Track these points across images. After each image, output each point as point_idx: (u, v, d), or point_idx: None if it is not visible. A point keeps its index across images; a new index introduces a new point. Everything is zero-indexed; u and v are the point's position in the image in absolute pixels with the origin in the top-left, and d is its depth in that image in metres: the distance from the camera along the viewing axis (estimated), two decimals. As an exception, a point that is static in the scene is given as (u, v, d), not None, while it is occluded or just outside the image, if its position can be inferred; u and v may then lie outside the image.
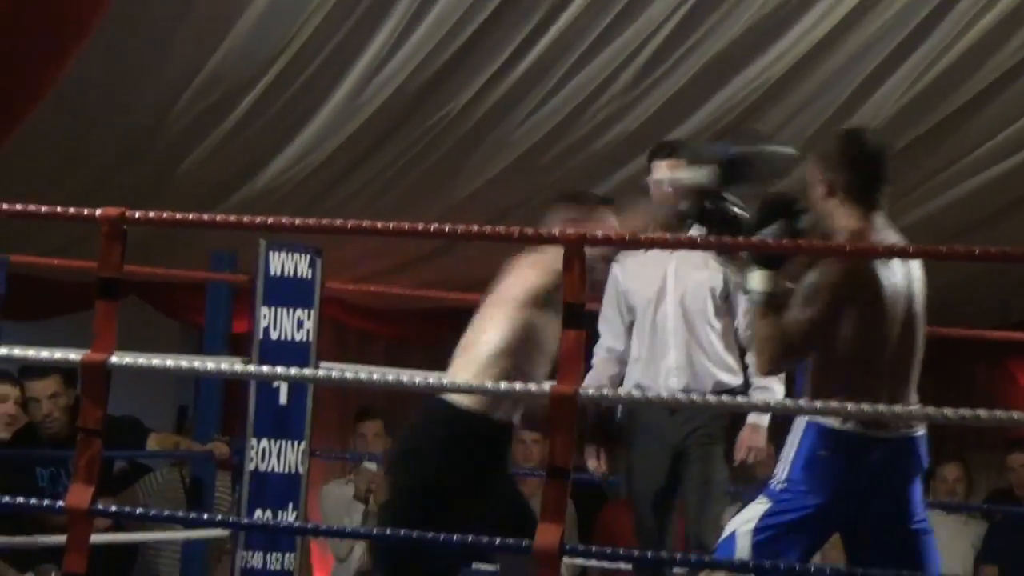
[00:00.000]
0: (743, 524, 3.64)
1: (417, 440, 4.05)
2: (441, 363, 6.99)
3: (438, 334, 8.40)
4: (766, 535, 3.62)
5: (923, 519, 3.70)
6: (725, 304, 4.73)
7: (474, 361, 3.99)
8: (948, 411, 3.21)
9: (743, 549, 3.62)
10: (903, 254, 3.58)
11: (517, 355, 3.96)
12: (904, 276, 3.63)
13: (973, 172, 6.41)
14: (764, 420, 4.72)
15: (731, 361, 4.72)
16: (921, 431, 3.61)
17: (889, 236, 3.67)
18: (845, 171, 3.67)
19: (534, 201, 6.74)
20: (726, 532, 3.68)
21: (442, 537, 3.50)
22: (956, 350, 8.12)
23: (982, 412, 3.17)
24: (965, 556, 6.59)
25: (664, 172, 4.59)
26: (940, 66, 5.90)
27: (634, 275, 4.82)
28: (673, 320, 4.71)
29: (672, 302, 4.73)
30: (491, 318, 4.04)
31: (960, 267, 6.76)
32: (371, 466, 6.28)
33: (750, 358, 4.63)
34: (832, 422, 3.57)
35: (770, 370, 3.76)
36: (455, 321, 8.14)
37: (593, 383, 4.66)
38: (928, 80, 5.96)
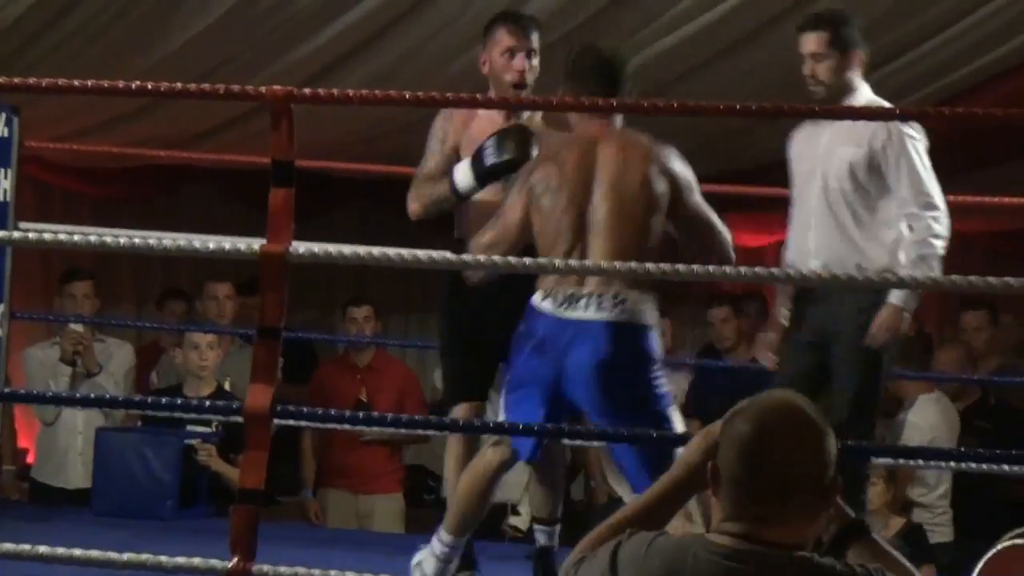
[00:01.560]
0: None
1: None
2: (150, 222, 6.93)
3: (146, 193, 8.28)
4: (510, 410, 3.91)
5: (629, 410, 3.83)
6: (873, 180, 4.39)
7: None
8: (650, 266, 3.29)
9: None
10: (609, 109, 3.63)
11: None
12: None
13: (672, 29, 6.51)
14: (903, 300, 4.34)
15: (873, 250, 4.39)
16: (611, 317, 3.81)
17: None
18: (571, 82, 4.05)
19: (242, 59, 6.62)
20: None
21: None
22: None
23: (681, 267, 3.26)
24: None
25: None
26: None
27: (797, 143, 4.59)
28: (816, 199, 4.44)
29: (818, 179, 4.44)
30: None
31: (661, 121, 6.92)
32: (78, 327, 6.14)
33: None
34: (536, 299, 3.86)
35: None
36: (165, 180, 8.11)
37: None
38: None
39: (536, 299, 3.87)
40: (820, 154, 4.45)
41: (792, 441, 2.15)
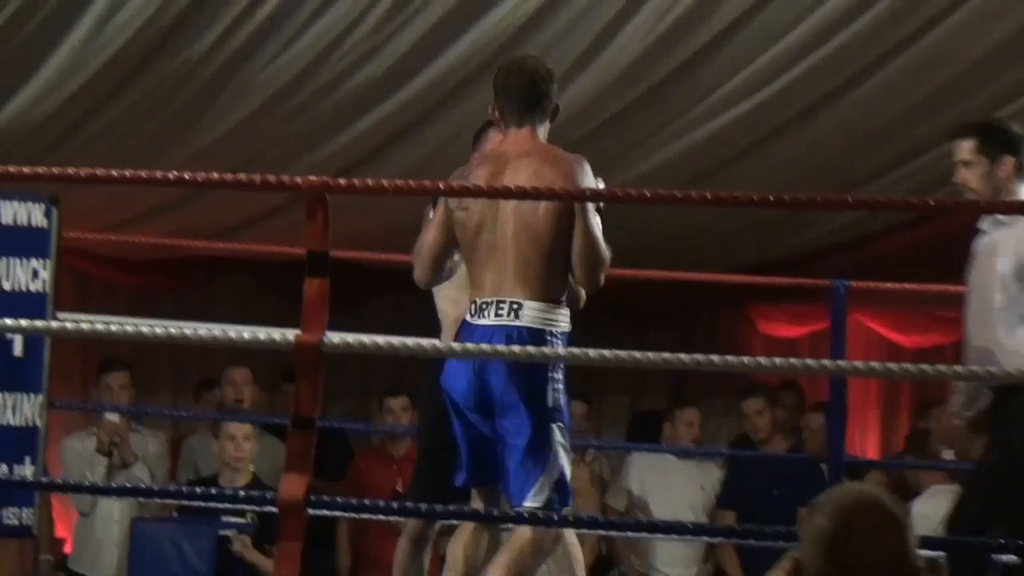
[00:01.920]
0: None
1: None
2: (186, 312, 6.97)
3: (183, 284, 8.32)
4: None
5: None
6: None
7: None
8: (684, 357, 3.28)
9: None
10: (642, 200, 3.64)
11: None
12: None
13: (710, 117, 6.55)
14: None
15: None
16: (506, 322, 4.04)
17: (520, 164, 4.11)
18: (499, 99, 4.21)
19: (279, 149, 6.68)
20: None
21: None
22: (700, 295, 8.35)
23: (715, 358, 3.25)
24: (695, 498, 6.75)
25: None
26: (678, 9, 6.00)
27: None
28: None
29: None
30: None
31: (698, 211, 6.92)
32: (114, 418, 6.16)
33: None
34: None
35: None
36: (201, 270, 8.15)
37: None
38: (664, 27, 6.05)
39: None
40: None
41: (873, 534, 2.14)
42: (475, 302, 4.09)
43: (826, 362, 3.40)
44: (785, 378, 7.18)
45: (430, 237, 4.21)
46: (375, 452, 7.02)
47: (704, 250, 7.56)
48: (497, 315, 4.06)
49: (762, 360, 3.31)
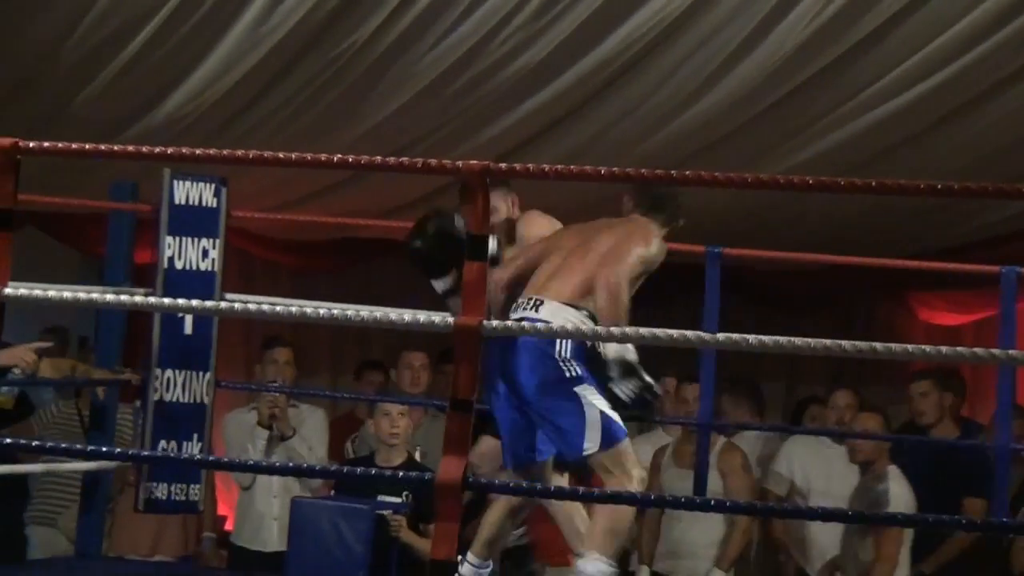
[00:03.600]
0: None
1: None
2: (345, 294, 7.07)
3: (343, 264, 8.45)
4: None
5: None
6: None
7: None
8: (846, 344, 3.25)
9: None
10: (803, 187, 3.62)
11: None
12: None
13: (871, 107, 6.46)
14: None
15: None
16: (528, 315, 4.49)
17: None
18: None
19: (440, 133, 6.75)
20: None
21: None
22: (858, 283, 8.25)
23: (878, 345, 3.22)
24: (852, 482, 6.62)
25: None
26: (839, 1, 5.94)
27: None
28: None
29: None
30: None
31: (859, 200, 6.84)
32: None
33: None
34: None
35: None
36: (360, 252, 8.26)
37: None
38: (828, 14, 5.99)
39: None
40: None
41: None
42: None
43: (985, 350, 3.34)
44: (949, 367, 7.02)
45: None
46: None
47: (861, 239, 7.47)
48: (525, 309, 4.55)
49: (926, 348, 3.26)
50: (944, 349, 3.33)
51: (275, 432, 6.21)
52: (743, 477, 6.43)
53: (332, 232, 7.77)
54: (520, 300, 4.57)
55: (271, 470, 5.85)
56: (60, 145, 3.70)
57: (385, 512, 5.78)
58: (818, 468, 6.60)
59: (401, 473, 3.83)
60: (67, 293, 3.77)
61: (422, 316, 3.67)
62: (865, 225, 7.42)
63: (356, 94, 6.47)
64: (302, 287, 7.84)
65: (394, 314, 3.82)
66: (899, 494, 5.97)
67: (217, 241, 5.60)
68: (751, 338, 3.36)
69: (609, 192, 4.77)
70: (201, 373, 5.60)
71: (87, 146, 3.65)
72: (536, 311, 4.50)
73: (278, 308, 3.79)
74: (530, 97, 6.50)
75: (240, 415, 6.46)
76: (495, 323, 3.50)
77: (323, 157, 3.72)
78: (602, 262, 4.52)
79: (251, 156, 3.75)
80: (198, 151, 3.68)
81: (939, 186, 3.15)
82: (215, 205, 5.62)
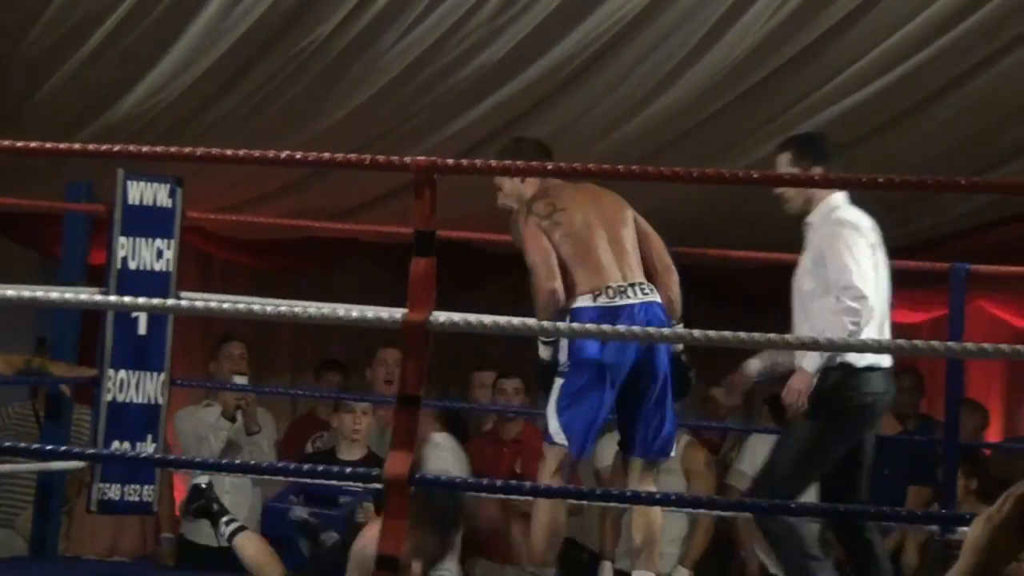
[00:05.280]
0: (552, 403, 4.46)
1: None
2: (304, 294, 7.05)
3: (302, 265, 8.42)
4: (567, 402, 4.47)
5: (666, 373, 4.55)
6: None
7: None
8: (789, 337, 3.26)
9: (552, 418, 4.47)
10: (763, 182, 3.63)
11: None
12: None
13: (828, 103, 6.48)
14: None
15: None
16: (655, 298, 4.53)
17: None
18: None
19: (401, 130, 6.73)
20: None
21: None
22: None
23: (827, 340, 3.22)
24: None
25: None
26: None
27: None
28: None
29: None
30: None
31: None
32: (240, 380, 6.23)
33: None
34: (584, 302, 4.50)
35: None
36: (320, 251, 8.23)
37: None
38: (785, 12, 6.01)
39: (583, 303, 4.48)
40: None
41: None
42: (609, 286, 4.49)
43: (937, 343, 3.35)
44: (905, 361, 7.06)
45: (545, 245, 4.53)
46: (487, 436, 7.02)
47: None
48: (644, 292, 4.53)
49: (868, 341, 3.27)
50: (884, 341, 3.35)
51: (238, 424, 6.19)
52: (707, 476, 6.47)
53: (291, 232, 7.74)
54: (612, 285, 4.51)
55: (230, 468, 5.82)
56: (17, 144, 3.67)
57: (347, 499, 5.76)
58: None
59: (349, 470, 3.81)
60: (10, 292, 3.76)
61: (370, 312, 3.67)
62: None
63: (318, 91, 6.46)
64: (261, 287, 7.81)
65: (342, 310, 3.82)
66: None
67: (172, 241, 5.59)
68: (697, 333, 3.37)
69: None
70: (155, 374, 5.58)
71: (43, 144, 3.61)
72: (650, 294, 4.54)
73: (226, 306, 3.77)
74: (492, 94, 6.50)
75: (196, 411, 6.43)
76: (442, 318, 3.49)
77: (271, 154, 3.71)
78: (648, 242, 4.65)
79: (201, 154, 3.73)
80: (154, 149, 3.66)
81: (880, 179, 3.16)
82: (170, 205, 5.61)
